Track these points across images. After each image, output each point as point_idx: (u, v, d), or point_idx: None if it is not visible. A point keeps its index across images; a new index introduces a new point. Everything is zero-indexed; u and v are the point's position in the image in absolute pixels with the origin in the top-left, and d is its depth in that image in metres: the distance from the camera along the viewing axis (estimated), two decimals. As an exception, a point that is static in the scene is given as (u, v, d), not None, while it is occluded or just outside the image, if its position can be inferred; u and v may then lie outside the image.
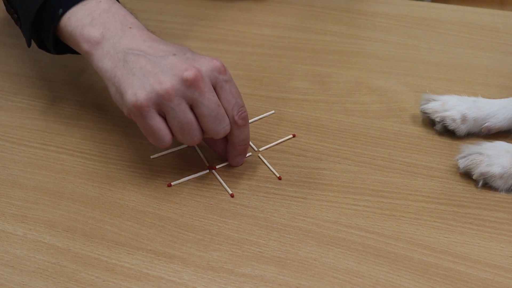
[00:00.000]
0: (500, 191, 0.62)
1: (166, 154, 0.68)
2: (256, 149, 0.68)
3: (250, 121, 0.72)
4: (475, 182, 0.63)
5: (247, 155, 0.67)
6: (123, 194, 0.64)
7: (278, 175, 0.65)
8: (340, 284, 0.55)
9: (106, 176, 0.66)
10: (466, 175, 0.64)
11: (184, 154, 0.68)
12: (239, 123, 0.61)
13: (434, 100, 0.70)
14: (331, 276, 0.55)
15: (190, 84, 0.57)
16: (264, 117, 0.73)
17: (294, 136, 0.70)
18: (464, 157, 0.64)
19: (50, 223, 0.61)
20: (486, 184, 0.63)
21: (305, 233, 0.59)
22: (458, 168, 0.64)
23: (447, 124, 0.68)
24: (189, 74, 0.57)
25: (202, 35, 0.87)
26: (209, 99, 0.58)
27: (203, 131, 0.60)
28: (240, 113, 0.61)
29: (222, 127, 0.60)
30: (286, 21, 0.89)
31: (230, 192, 0.63)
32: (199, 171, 0.66)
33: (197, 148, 0.68)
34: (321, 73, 0.79)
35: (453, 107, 0.68)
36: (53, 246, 0.59)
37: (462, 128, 0.68)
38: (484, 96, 0.71)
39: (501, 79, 0.77)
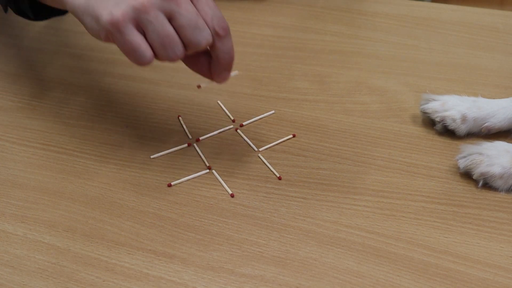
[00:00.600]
0: (500, 191, 0.62)
1: (166, 154, 0.68)
2: (256, 149, 0.68)
3: (250, 121, 0.72)
4: (475, 182, 0.63)
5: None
6: (123, 194, 0.64)
7: (278, 175, 0.65)
8: (340, 284, 0.55)
9: (106, 176, 0.66)
10: (466, 175, 0.64)
11: (184, 154, 0.68)
12: (220, 34, 0.59)
13: (434, 100, 0.70)
14: (331, 276, 0.55)
15: None
16: (264, 117, 0.73)
17: (294, 136, 0.70)
18: (464, 157, 0.64)
19: (50, 223, 0.61)
20: (486, 184, 0.63)
21: (305, 233, 0.59)
22: (458, 168, 0.64)
23: (447, 124, 0.68)
24: None
25: (202, 35, 0.87)
26: (186, 9, 0.57)
27: (184, 45, 0.58)
28: (220, 23, 0.59)
29: (203, 37, 0.58)
30: (286, 21, 0.89)
31: (230, 192, 0.63)
32: (199, 171, 0.66)
33: (197, 148, 0.68)
34: (321, 73, 0.79)
35: (453, 107, 0.68)
36: (53, 246, 0.59)
37: (462, 128, 0.68)
38: (484, 96, 0.71)
39: (501, 79, 0.77)
